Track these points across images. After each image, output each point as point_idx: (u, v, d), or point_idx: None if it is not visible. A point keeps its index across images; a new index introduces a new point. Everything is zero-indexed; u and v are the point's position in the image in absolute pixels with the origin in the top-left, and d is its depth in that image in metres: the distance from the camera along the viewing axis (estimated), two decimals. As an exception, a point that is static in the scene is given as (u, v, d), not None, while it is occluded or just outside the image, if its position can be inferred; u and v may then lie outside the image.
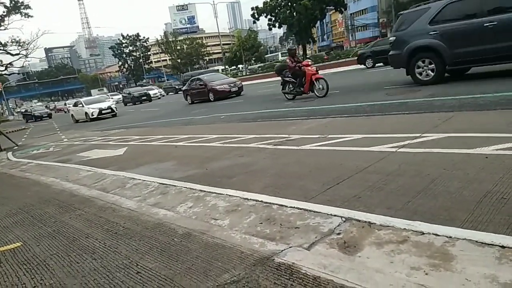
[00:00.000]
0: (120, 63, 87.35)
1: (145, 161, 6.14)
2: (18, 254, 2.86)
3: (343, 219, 2.56)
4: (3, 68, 41.62)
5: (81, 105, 22.27)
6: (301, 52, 51.42)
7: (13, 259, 2.78)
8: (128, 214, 3.45)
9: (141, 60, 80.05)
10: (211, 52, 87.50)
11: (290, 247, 2.30)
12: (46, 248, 2.91)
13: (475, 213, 2.31)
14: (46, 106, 48.59)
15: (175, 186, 4.24)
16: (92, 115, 20.84)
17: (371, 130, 5.07)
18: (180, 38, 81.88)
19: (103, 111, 21.05)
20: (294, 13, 43.61)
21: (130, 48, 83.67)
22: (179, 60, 77.35)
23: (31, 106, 42.37)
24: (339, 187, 3.23)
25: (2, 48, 37.88)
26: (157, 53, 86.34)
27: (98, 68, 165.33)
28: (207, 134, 7.66)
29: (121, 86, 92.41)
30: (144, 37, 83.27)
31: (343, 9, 47.09)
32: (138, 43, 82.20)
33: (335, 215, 2.63)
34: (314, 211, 2.78)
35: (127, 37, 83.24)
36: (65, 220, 3.57)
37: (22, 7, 36.26)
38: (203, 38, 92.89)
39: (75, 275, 2.35)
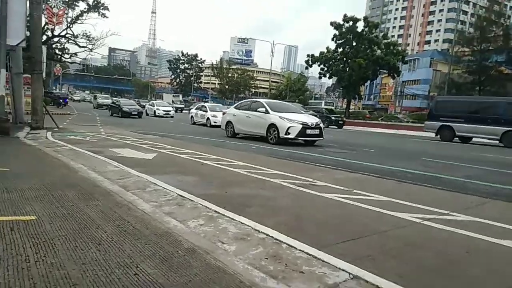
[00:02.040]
0: (173, 76, 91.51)
1: (170, 170, 6.26)
2: (30, 227, 2.94)
3: (351, 276, 2.46)
4: (68, 56, 44.90)
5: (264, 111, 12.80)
6: (344, 106, 51.71)
7: (24, 230, 2.86)
8: (141, 216, 3.49)
9: (192, 78, 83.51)
10: (258, 86, 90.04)
11: (290, 290, 2.22)
12: (57, 228, 2.98)
13: (492, 307, 2.15)
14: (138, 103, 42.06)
15: (192, 201, 4.27)
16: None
17: (399, 196, 4.90)
18: (233, 66, 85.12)
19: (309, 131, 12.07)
20: (347, 68, 44.33)
21: (186, 65, 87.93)
22: (227, 86, 79.96)
23: (116, 99, 36.48)
24: (354, 243, 3.12)
25: (73, 38, 41.07)
26: (209, 76, 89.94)
27: (152, 76, 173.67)
28: (235, 160, 7.73)
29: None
30: (201, 58, 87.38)
31: (396, 75, 47.30)
32: (194, 63, 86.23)
33: (343, 270, 2.53)
34: (323, 261, 2.69)
35: (186, 55, 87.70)
36: (82, 206, 3.66)
37: (101, 7, 39.58)
38: (255, 71, 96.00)
39: (76, 260, 2.38)
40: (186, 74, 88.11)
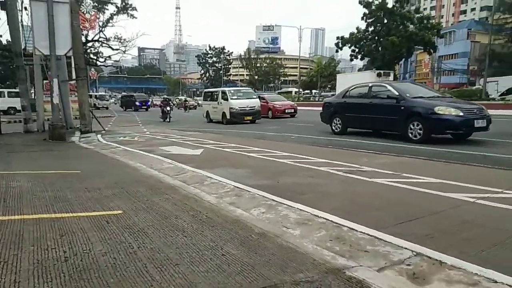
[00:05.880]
0: (202, 71, 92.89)
1: (220, 164, 6.64)
2: (121, 220, 3.38)
3: (414, 253, 2.68)
4: (102, 60, 46.70)
5: None
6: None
7: (118, 223, 3.29)
8: (209, 207, 3.85)
9: (221, 72, 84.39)
10: (287, 73, 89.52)
11: (360, 266, 2.48)
12: (143, 219, 3.39)
13: (555, 276, 2.29)
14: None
15: (248, 191, 4.60)
16: None
17: (449, 177, 4.99)
18: (261, 56, 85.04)
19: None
20: (380, 48, 43.09)
21: (214, 59, 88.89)
22: (256, 77, 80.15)
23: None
24: (411, 224, 3.32)
25: (105, 42, 42.60)
26: (237, 67, 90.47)
27: (181, 73, 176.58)
28: (278, 150, 8.00)
29: (198, 92, 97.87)
30: (228, 51, 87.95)
31: (432, 51, 45.40)
32: (222, 56, 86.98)
33: (405, 248, 2.75)
34: (385, 240, 2.92)
35: (214, 48, 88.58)
36: (156, 200, 4.08)
37: (130, 8, 40.66)
38: (283, 59, 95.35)
39: (170, 245, 2.76)
40: (215, 68, 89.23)
